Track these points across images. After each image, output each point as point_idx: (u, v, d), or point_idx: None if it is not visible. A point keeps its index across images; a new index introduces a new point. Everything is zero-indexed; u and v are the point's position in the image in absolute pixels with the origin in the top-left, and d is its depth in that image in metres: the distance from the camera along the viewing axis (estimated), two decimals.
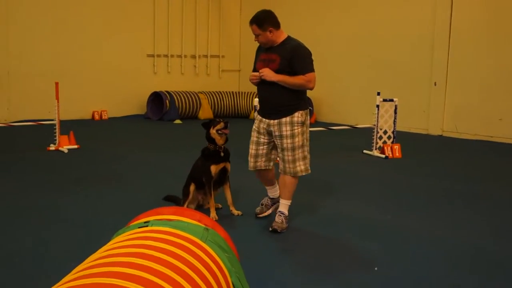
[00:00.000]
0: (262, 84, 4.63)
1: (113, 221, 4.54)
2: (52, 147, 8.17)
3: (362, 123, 10.40)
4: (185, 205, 4.99)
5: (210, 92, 13.24)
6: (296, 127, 4.54)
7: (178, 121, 12.26)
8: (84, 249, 3.38)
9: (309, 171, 4.71)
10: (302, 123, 4.58)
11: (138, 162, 7.54)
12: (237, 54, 14.80)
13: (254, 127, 4.78)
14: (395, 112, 8.42)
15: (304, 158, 4.63)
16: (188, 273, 2.06)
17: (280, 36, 4.58)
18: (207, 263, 2.25)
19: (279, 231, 4.60)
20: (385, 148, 8.27)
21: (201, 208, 5.20)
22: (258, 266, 3.81)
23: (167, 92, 12.56)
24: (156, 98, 12.67)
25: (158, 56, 13.43)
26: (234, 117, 12.89)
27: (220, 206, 5.21)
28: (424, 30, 10.96)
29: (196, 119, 12.33)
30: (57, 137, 8.18)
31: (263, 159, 4.75)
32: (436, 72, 10.84)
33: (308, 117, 4.69)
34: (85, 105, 12.19)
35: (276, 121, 4.57)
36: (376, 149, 8.43)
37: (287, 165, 4.61)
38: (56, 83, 8.10)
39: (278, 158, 4.75)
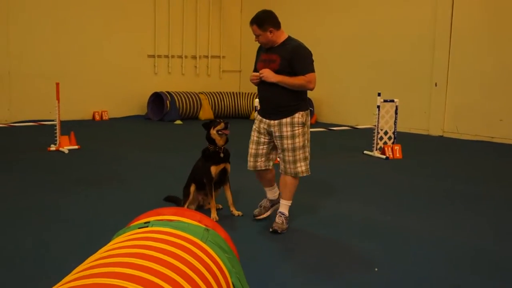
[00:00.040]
0: (262, 85, 4.63)
1: (113, 221, 4.54)
2: (53, 148, 8.17)
3: (363, 123, 10.40)
4: (186, 206, 4.99)
5: (210, 92, 13.25)
6: (296, 128, 4.54)
7: (178, 122, 12.26)
8: (85, 249, 3.38)
9: (309, 172, 4.70)
10: (303, 124, 4.57)
11: (139, 163, 7.54)
12: (238, 54, 14.80)
13: (254, 127, 4.78)
14: (396, 113, 8.42)
15: (305, 159, 4.62)
16: (189, 274, 2.06)
17: (281, 37, 4.57)
18: (207, 263, 2.26)
19: (279, 231, 4.59)
20: (386, 148, 8.27)
21: (202, 208, 5.20)
22: (259, 267, 3.81)
23: (168, 92, 12.57)
24: (157, 99, 12.68)
25: (159, 56, 13.43)
26: (234, 118, 12.89)
27: (220, 206, 5.22)
28: (424, 30, 10.96)
29: (197, 120, 12.33)
30: (57, 138, 8.18)
31: (263, 159, 4.74)
32: (436, 72, 10.84)
33: (309, 117, 4.68)
34: (86, 106, 12.20)
35: (276, 121, 4.56)
36: (376, 149, 8.43)
37: (287, 166, 4.61)
38: (57, 84, 8.10)
39: (278, 159, 4.75)
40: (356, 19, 12.14)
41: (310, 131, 4.81)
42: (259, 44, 4.71)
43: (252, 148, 4.75)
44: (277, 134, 4.58)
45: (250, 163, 4.76)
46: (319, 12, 12.87)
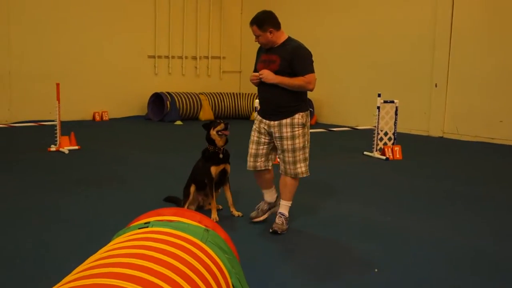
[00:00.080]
0: (262, 85, 4.62)
1: (113, 222, 4.54)
2: (53, 148, 8.18)
3: (363, 124, 10.40)
4: (186, 206, 4.99)
5: (211, 93, 13.25)
6: (296, 129, 4.54)
7: (178, 122, 12.26)
8: (85, 249, 3.38)
9: (309, 173, 4.70)
10: (303, 125, 4.57)
11: (139, 163, 7.55)
12: (238, 55, 14.81)
13: (254, 127, 4.78)
14: (396, 114, 8.42)
15: (305, 160, 4.62)
16: (188, 274, 2.06)
17: (281, 37, 4.57)
18: (207, 264, 2.26)
19: (279, 232, 4.59)
20: (386, 149, 8.27)
21: (202, 209, 5.21)
22: (258, 267, 3.81)
23: (168, 93, 12.57)
24: (157, 99, 12.68)
25: (159, 57, 13.44)
26: (235, 119, 12.89)
27: (220, 207, 5.22)
28: (424, 30, 10.95)
29: (197, 120, 12.33)
30: (58, 138, 8.19)
31: (263, 159, 4.74)
32: (436, 73, 10.84)
33: (309, 118, 4.68)
34: (86, 106, 12.20)
35: (276, 122, 4.56)
36: (376, 150, 8.43)
37: (287, 167, 4.61)
38: (57, 84, 8.10)
39: (278, 159, 4.75)
40: (356, 19, 12.14)
41: (310, 132, 4.81)
42: (259, 45, 4.71)
43: (252, 148, 4.75)
44: (277, 135, 4.58)
45: (250, 163, 4.76)
46: (319, 12, 12.87)
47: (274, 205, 4.91)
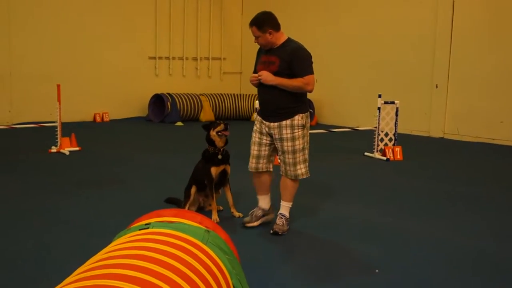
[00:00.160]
0: (261, 87, 4.62)
1: (114, 223, 4.55)
2: (54, 149, 8.18)
3: (363, 125, 10.40)
4: (186, 207, 4.99)
5: (211, 94, 13.26)
6: (296, 130, 4.54)
7: (179, 123, 12.27)
8: (86, 251, 3.39)
9: (309, 174, 4.70)
10: (303, 126, 4.57)
11: (139, 164, 7.55)
12: (239, 56, 14.81)
13: (255, 128, 4.77)
14: (396, 115, 8.42)
15: (304, 161, 4.62)
16: (189, 275, 2.07)
17: (280, 38, 4.57)
18: (208, 265, 2.26)
19: (280, 233, 4.60)
20: (387, 150, 8.27)
21: (202, 210, 5.21)
22: (259, 268, 3.81)
23: (169, 94, 12.57)
24: (158, 100, 12.68)
25: (160, 58, 13.44)
26: (235, 119, 12.89)
27: (221, 208, 5.22)
28: (425, 30, 10.95)
29: (198, 121, 12.33)
30: (58, 139, 8.19)
31: (265, 160, 4.74)
32: (437, 73, 10.83)
33: (309, 119, 4.67)
34: (87, 107, 12.20)
35: (276, 123, 4.56)
36: (377, 151, 8.43)
37: (288, 168, 4.61)
38: (58, 85, 8.11)
39: (278, 160, 4.75)
40: (356, 19, 12.14)
41: (311, 133, 4.81)
42: (259, 46, 4.71)
43: (254, 150, 4.74)
44: (277, 136, 4.58)
45: (252, 165, 4.75)
46: (319, 12, 12.87)
47: (267, 213, 4.87)
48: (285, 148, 4.56)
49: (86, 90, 12.08)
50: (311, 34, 11.95)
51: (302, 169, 4.60)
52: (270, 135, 4.66)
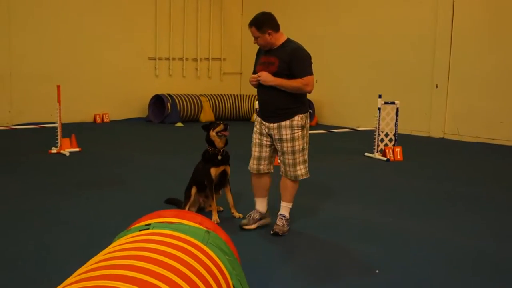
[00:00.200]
0: (261, 87, 4.62)
1: (114, 224, 4.55)
2: (54, 150, 8.18)
3: (363, 125, 10.40)
4: (186, 208, 5.00)
5: (211, 95, 13.26)
6: (296, 131, 4.54)
7: (179, 124, 12.27)
8: (86, 251, 3.39)
9: (309, 175, 4.70)
10: (302, 127, 4.57)
11: (140, 165, 7.55)
12: (239, 56, 14.82)
13: (255, 129, 4.77)
14: (397, 115, 8.42)
15: (304, 161, 4.62)
16: (189, 276, 2.07)
17: (280, 39, 4.56)
18: (208, 265, 2.26)
19: (280, 234, 4.60)
20: (387, 150, 8.27)
21: (202, 211, 5.21)
22: (259, 269, 3.81)
23: (169, 95, 12.58)
24: (158, 101, 12.69)
25: (160, 59, 13.45)
26: (235, 120, 12.90)
27: (221, 208, 5.23)
28: (425, 30, 10.95)
29: (198, 122, 12.33)
30: (58, 140, 8.19)
31: (266, 162, 4.74)
32: (437, 73, 10.84)
33: (308, 120, 4.67)
34: (87, 108, 12.21)
35: (276, 124, 4.56)
36: (377, 151, 8.43)
37: (287, 169, 4.61)
38: (58, 86, 8.11)
39: (278, 160, 4.75)
40: (356, 19, 12.15)
41: (311, 133, 4.81)
42: (258, 46, 4.71)
43: (255, 151, 4.74)
44: (276, 137, 4.58)
45: (254, 166, 4.74)
46: (319, 13, 12.88)
47: (264, 216, 4.85)
48: (285, 148, 4.56)
49: (86, 91, 12.09)
50: (311, 34, 11.95)
51: (301, 170, 4.60)
52: (270, 135, 4.66)
